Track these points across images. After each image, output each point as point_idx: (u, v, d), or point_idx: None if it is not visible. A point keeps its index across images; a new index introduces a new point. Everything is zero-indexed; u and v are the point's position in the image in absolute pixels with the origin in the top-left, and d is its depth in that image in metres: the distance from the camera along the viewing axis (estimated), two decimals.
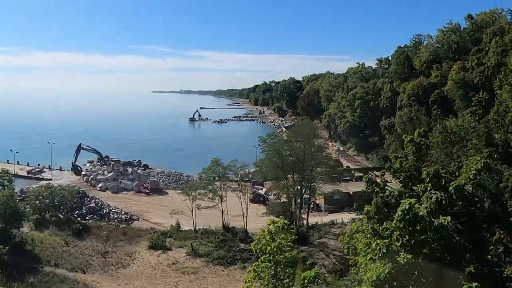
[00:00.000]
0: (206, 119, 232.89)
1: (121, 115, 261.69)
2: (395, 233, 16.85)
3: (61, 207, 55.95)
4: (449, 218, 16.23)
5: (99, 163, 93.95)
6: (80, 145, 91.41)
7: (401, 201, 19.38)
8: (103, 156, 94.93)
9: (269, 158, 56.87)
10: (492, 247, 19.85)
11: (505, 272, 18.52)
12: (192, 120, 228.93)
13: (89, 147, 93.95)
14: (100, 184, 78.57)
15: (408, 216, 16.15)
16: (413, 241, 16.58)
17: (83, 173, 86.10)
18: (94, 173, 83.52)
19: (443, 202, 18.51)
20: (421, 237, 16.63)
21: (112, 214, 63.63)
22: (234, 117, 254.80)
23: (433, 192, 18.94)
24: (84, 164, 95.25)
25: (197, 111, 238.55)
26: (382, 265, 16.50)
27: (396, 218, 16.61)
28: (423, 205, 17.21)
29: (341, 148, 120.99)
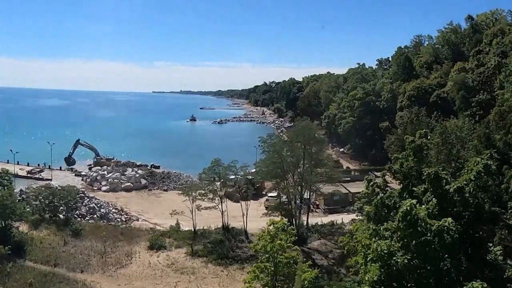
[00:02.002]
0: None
1: (122, 115, 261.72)
2: (396, 234, 16.82)
3: (61, 207, 55.91)
4: (450, 219, 16.20)
5: (95, 160, 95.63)
6: (78, 140, 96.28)
7: (401, 202, 19.34)
8: (99, 154, 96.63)
9: (270, 158, 56.80)
10: (492, 247, 19.81)
11: (506, 273, 18.46)
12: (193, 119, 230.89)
13: (86, 143, 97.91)
14: (100, 185, 78.54)
15: (409, 217, 16.13)
16: (414, 242, 16.55)
17: (83, 173, 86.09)
18: (94, 174, 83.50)
19: (444, 204, 18.48)
20: (422, 238, 16.59)
21: (112, 214, 63.63)
22: (234, 117, 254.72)
23: (434, 194, 18.90)
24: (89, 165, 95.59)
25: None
26: (383, 265, 16.46)
27: (397, 219, 16.58)
28: (423, 207, 17.18)
29: (341, 149, 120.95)
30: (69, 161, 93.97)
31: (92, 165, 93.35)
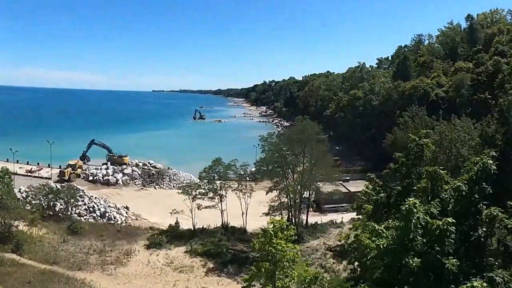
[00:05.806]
0: (203, 117, 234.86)
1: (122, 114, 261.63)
2: (396, 232, 16.79)
3: (60, 206, 55.90)
4: (450, 219, 16.15)
5: (108, 158, 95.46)
6: (93, 140, 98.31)
7: (401, 201, 19.29)
8: (112, 152, 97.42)
9: (270, 157, 56.77)
10: (492, 247, 19.77)
11: (506, 273, 18.41)
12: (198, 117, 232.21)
13: (100, 142, 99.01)
14: (99, 181, 78.49)
15: (410, 216, 16.10)
16: (414, 241, 16.50)
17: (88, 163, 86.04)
18: (94, 172, 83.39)
19: (443, 204, 18.43)
20: (423, 237, 16.56)
21: (111, 213, 63.49)
22: (233, 116, 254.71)
23: (433, 193, 18.85)
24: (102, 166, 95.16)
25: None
26: (383, 264, 16.43)
27: (399, 217, 16.56)
28: (423, 206, 17.14)
29: (341, 149, 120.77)
30: (84, 158, 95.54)
31: (106, 163, 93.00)
